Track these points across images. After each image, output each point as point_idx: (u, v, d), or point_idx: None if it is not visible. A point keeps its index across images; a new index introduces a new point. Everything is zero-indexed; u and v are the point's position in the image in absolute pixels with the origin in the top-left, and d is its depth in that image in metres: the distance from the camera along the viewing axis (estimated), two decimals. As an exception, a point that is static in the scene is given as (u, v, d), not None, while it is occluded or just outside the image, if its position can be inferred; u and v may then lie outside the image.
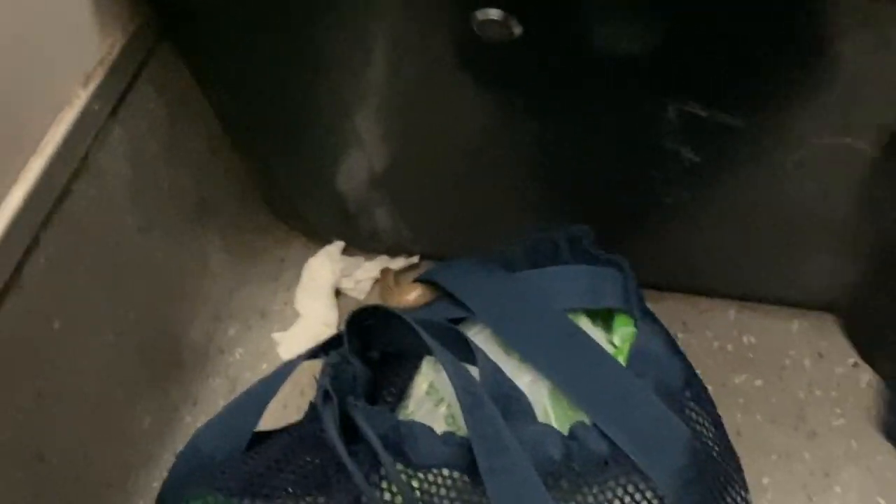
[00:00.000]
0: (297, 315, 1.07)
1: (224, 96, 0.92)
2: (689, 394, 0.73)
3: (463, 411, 0.65)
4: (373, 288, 1.08)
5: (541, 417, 0.69)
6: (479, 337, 0.75)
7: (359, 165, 0.94)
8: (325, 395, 0.66)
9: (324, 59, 0.82)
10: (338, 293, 1.09)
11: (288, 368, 0.74)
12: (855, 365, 0.96)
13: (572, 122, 0.81)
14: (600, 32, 0.71)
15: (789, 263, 0.93)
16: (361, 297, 1.08)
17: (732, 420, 0.92)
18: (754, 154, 0.78)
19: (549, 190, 0.92)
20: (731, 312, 1.01)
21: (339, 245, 1.10)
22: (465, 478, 0.65)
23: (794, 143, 0.77)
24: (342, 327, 0.75)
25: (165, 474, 0.74)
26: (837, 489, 0.89)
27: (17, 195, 0.72)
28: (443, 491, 0.64)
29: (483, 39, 0.72)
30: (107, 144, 0.81)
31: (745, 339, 0.99)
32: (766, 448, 0.92)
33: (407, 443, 0.65)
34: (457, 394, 0.65)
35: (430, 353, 0.70)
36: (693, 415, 0.73)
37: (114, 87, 0.81)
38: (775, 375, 0.97)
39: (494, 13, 0.70)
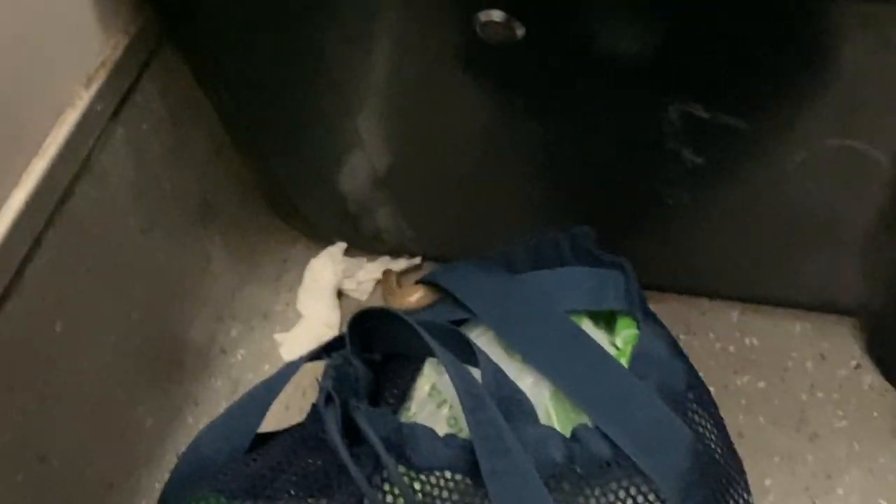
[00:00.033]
0: (299, 316, 1.07)
1: (226, 97, 0.92)
2: (692, 396, 0.73)
3: (465, 413, 0.65)
4: (375, 289, 1.08)
5: (543, 419, 0.69)
6: (482, 339, 0.75)
7: (361, 166, 0.94)
8: (327, 398, 0.66)
9: (326, 60, 0.82)
10: (340, 294, 1.09)
11: (290, 370, 0.74)
12: (857, 367, 0.96)
13: (574, 124, 0.81)
14: (602, 34, 0.71)
15: (792, 265, 0.93)
16: (363, 298, 1.08)
17: (734, 422, 0.92)
18: (756, 156, 0.78)
19: (551, 191, 0.92)
20: (733, 314, 1.01)
21: (341, 246, 1.10)
22: (467, 480, 0.65)
23: (796, 144, 0.76)
24: (344, 328, 0.75)
25: (167, 475, 0.74)
26: (840, 491, 0.89)
27: (19, 196, 0.72)
28: (445, 493, 0.64)
29: (485, 41, 0.72)
30: (109, 145, 0.81)
31: (747, 340, 0.99)
32: (769, 450, 0.92)
33: (409, 445, 0.65)
34: (459, 396, 0.65)
35: (432, 354, 0.70)
36: (695, 417, 0.73)
37: (116, 88, 0.81)
38: (778, 377, 0.96)
39: (497, 14, 0.70)
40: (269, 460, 0.69)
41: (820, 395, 0.95)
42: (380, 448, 0.63)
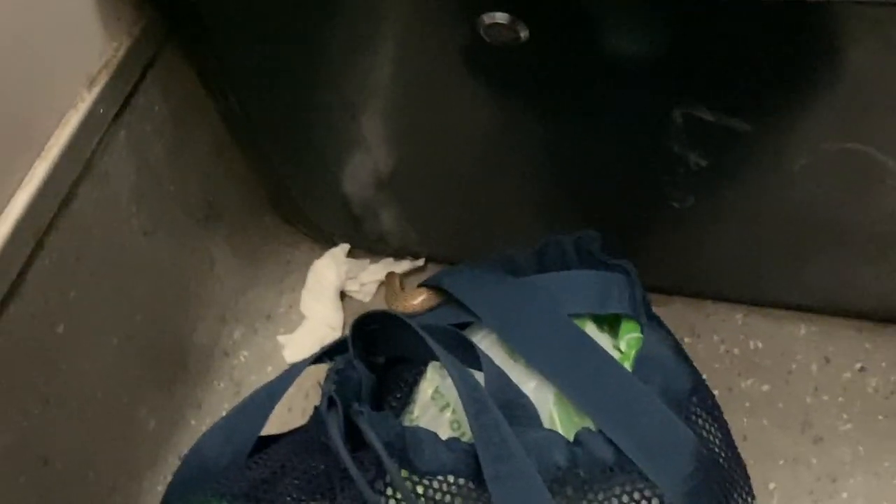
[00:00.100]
0: (302, 318, 1.07)
1: (230, 98, 0.92)
2: (696, 400, 0.73)
3: (468, 417, 0.64)
4: (378, 290, 1.08)
5: (546, 423, 0.69)
6: (485, 342, 0.75)
7: (365, 168, 0.94)
8: (329, 402, 0.66)
9: (330, 62, 0.82)
10: (343, 296, 1.09)
11: (292, 373, 0.74)
12: (862, 370, 0.96)
13: (578, 126, 0.81)
14: (607, 36, 0.71)
15: (796, 267, 0.93)
16: (367, 299, 1.08)
17: (739, 425, 0.92)
18: (761, 158, 0.78)
19: (555, 194, 0.91)
20: (738, 316, 1.01)
21: (344, 247, 1.10)
22: (470, 484, 0.64)
23: (801, 147, 0.76)
24: (347, 330, 0.75)
25: (170, 477, 0.74)
26: (844, 495, 0.89)
27: (22, 198, 0.72)
28: (447, 498, 0.64)
29: (489, 43, 0.72)
30: (111, 147, 0.81)
31: (751, 343, 0.99)
32: (773, 453, 0.92)
33: (412, 449, 0.64)
34: (462, 399, 0.65)
35: (435, 358, 0.70)
36: (699, 421, 0.73)
37: (119, 90, 0.81)
38: (782, 380, 0.96)
39: (501, 17, 0.70)
40: (271, 464, 0.68)
41: (824, 397, 0.95)
42: (382, 452, 0.63)
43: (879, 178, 0.77)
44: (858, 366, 0.96)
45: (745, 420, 0.94)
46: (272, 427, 0.73)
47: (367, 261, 1.10)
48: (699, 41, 0.69)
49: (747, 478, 0.77)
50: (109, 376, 0.86)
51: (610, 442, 0.66)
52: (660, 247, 0.93)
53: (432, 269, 1.08)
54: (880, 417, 0.93)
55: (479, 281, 0.79)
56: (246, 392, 0.92)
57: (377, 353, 0.77)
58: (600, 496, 0.65)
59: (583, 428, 0.67)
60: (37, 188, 0.73)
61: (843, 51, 0.67)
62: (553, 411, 0.70)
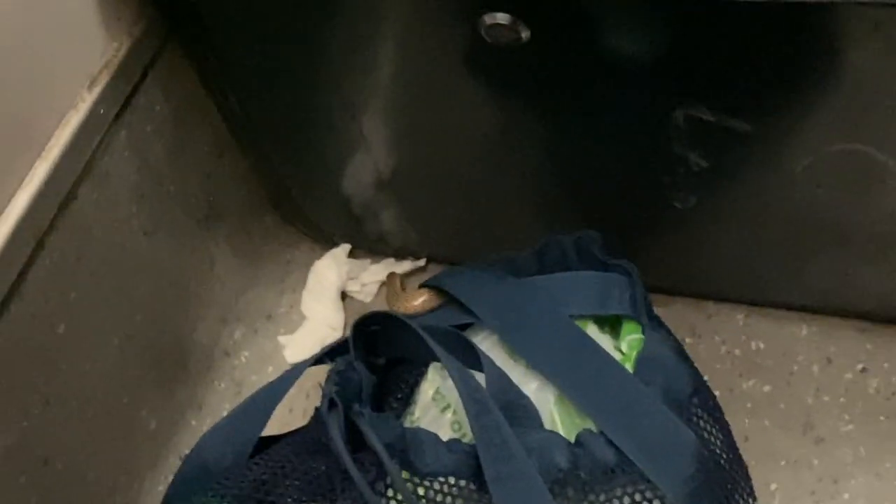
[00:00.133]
0: (303, 318, 1.07)
1: (230, 99, 0.92)
2: (697, 401, 0.73)
3: (469, 418, 0.64)
4: (379, 291, 1.08)
5: (547, 425, 0.69)
6: (486, 343, 0.75)
7: (365, 168, 0.94)
8: (330, 403, 0.66)
9: (331, 62, 0.82)
10: (344, 296, 1.09)
11: (293, 374, 0.74)
12: (863, 370, 0.96)
13: (579, 127, 0.81)
14: (608, 37, 0.71)
15: (798, 267, 0.92)
16: (368, 299, 1.08)
17: (740, 425, 0.92)
18: (762, 159, 0.78)
19: (556, 194, 0.91)
20: (739, 317, 1.01)
21: (345, 248, 1.10)
22: (471, 485, 0.64)
23: (803, 148, 0.76)
24: (348, 331, 0.75)
25: (171, 478, 0.74)
26: (846, 496, 0.89)
27: (22, 199, 0.72)
28: (448, 499, 0.64)
29: (490, 43, 0.72)
30: (112, 148, 0.81)
31: (753, 344, 0.99)
32: (774, 454, 0.92)
33: (412, 450, 0.64)
34: (463, 400, 0.65)
35: (436, 359, 0.70)
36: (700, 422, 0.72)
37: (119, 90, 0.81)
38: (783, 381, 0.96)
39: (502, 17, 0.69)
40: (272, 465, 0.68)
41: (826, 398, 0.94)
42: (383, 454, 0.63)
43: (880, 178, 0.77)
44: (860, 367, 0.96)
45: (746, 421, 0.93)
46: (273, 427, 0.73)
47: (368, 261, 1.09)
48: (700, 41, 0.69)
49: (749, 479, 0.77)
50: (110, 376, 0.86)
51: (611, 443, 0.66)
52: (661, 247, 0.93)
53: (433, 270, 1.08)
54: (882, 418, 0.93)
55: (479, 282, 0.79)
56: (247, 392, 0.92)
57: (378, 354, 0.77)
58: (601, 497, 0.65)
59: (584, 429, 0.67)
60: (37, 188, 0.73)
61: (844, 51, 0.67)
62: (554, 412, 0.70)
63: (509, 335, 0.74)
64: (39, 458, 0.79)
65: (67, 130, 0.75)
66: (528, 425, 0.67)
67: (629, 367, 0.72)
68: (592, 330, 0.75)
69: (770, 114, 0.73)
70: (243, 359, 1.05)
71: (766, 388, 0.96)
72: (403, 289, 1.02)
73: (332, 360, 0.73)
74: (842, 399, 0.94)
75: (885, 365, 0.95)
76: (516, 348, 0.73)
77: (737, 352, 0.99)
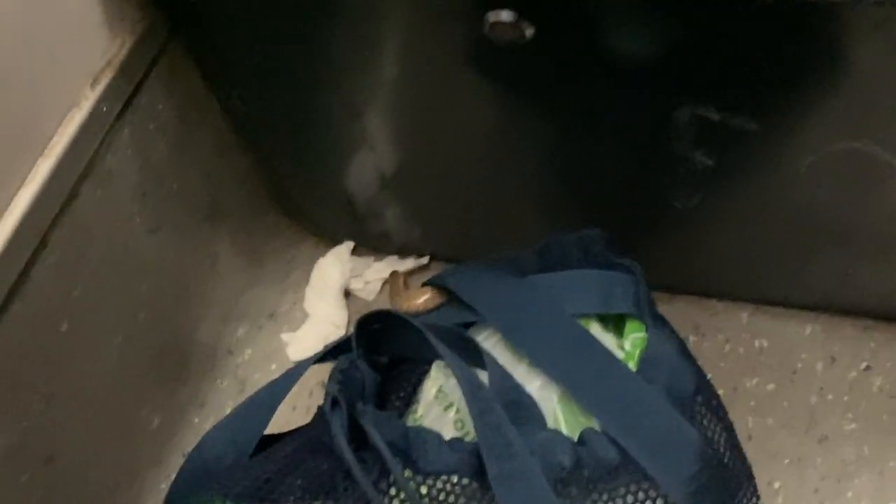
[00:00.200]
0: (306, 316, 1.07)
1: (233, 96, 0.92)
2: (700, 399, 0.73)
3: (472, 417, 0.64)
4: (382, 289, 1.08)
5: (550, 423, 0.69)
6: (489, 342, 0.74)
7: (369, 166, 0.94)
8: (333, 402, 0.66)
9: (335, 60, 0.82)
10: (347, 294, 1.09)
11: (296, 372, 0.74)
12: (867, 369, 0.95)
13: (583, 125, 0.81)
14: (613, 35, 0.71)
15: (802, 266, 0.92)
16: (370, 297, 1.08)
17: (744, 424, 0.92)
18: (767, 157, 0.78)
19: (559, 192, 0.91)
20: (743, 315, 1.01)
21: (348, 245, 1.09)
22: (474, 484, 0.64)
23: (807, 146, 0.76)
24: (351, 328, 0.74)
25: (173, 476, 0.74)
26: (849, 494, 0.89)
27: (25, 196, 0.72)
28: (451, 498, 0.63)
29: (494, 41, 0.72)
30: (115, 146, 0.81)
31: (757, 342, 0.99)
32: (778, 452, 0.92)
33: (415, 449, 0.64)
34: (466, 399, 0.65)
35: (439, 357, 0.69)
36: (704, 421, 0.72)
37: (122, 88, 0.81)
38: (787, 379, 0.96)
39: (506, 15, 0.69)
40: (274, 463, 0.68)
41: (830, 397, 0.94)
42: (386, 452, 0.63)
43: (884, 176, 0.77)
44: (864, 365, 0.96)
45: (749, 419, 0.93)
46: (276, 426, 0.73)
47: (371, 259, 1.09)
48: (705, 40, 0.69)
49: (752, 477, 0.77)
50: (112, 375, 0.86)
51: (614, 442, 0.66)
52: (664, 245, 0.93)
53: (436, 268, 1.08)
54: (885, 417, 0.93)
55: (482, 280, 0.79)
56: (250, 390, 0.92)
57: (381, 353, 0.77)
58: (605, 496, 0.65)
59: (587, 428, 0.67)
60: (40, 186, 0.73)
61: (849, 50, 0.67)
62: (557, 411, 0.70)
63: (512, 333, 0.74)
64: (42, 456, 0.79)
65: (70, 129, 0.75)
66: (532, 424, 0.67)
67: (632, 365, 0.72)
68: (595, 328, 0.75)
69: (774, 112, 0.73)
70: (246, 357, 1.05)
71: (770, 387, 0.96)
72: (406, 287, 1.02)
73: (335, 358, 0.73)
74: (845, 397, 0.94)
75: (889, 363, 0.95)
76: (519, 347, 0.73)
77: (740, 350, 0.99)
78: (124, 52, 0.80)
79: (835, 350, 0.97)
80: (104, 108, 0.78)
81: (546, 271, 0.79)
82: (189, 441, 0.96)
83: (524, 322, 0.74)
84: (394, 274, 1.04)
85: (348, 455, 0.63)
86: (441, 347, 0.68)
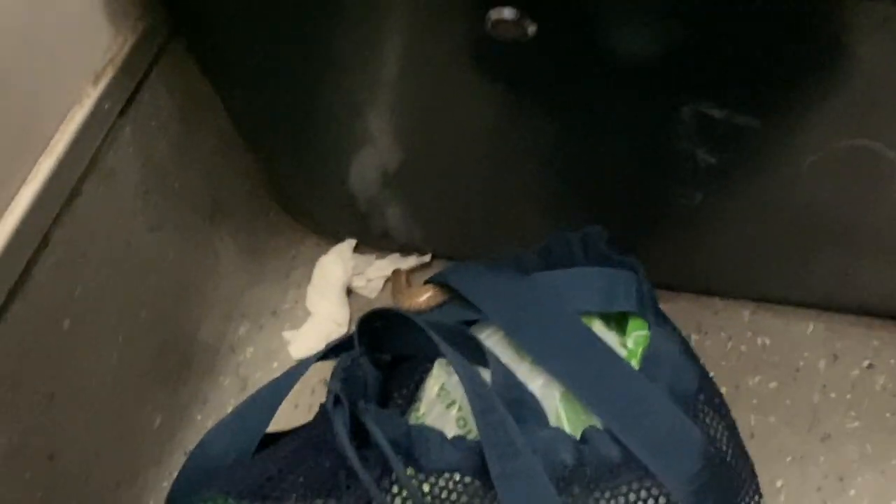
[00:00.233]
0: (308, 313, 1.07)
1: (236, 94, 0.92)
2: (703, 398, 0.73)
3: (474, 415, 0.64)
4: (384, 286, 1.08)
5: (553, 421, 0.69)
6: (491, 340, 0.74)
7: (371, 164, 0.94)
8: (335, 400, 0.66)
9: (336, 58, 0.82)
10: (349, 292, 1.09)
11: (298, 370, 0.74)
12: (870, 367, 0.95)
13: (586, 123, 0.80)
14: (615, 32, 0.70)
15: (804, 264, 0.92)
16: (373, 295, 1.08)
17: (746, 422, 0.92)
18: (770, 155, 0.78)
19: (562, 190, 0.91)
20: (745, 313, 1.01)
21: (350, 243, 1.09)
22: (477, 482, 0.64)
23: (810, 144, 0.76)
24: (353, 326, 0.74)
25: (175, 474, 0.74)
26: (852, 493, 0.89)
27: (27, 195, 0.72)
28: (454, 496, 0.63)
29: (496, 39, 0.72)
30: (117, 143, 0.81)
31: (759, 340, 0.99)
32: (780, 451, 0.91)
33: (418, 447, 0.64)
34: (468, 397, 0.65)
35: (441, 355, 0.69)
36: (706, 419, 0.72)
37: (124, 86, 0.80)
38: (790, 377, 0.96)
39: (508, 12, 0.69)
40: (277, 461, 0.68)
41: (832, 395, 0.94)
42: (388, 450, 0.63)
43: (888, 174, 0.77)
44: (866, 363, 0.96)
45: (752, 418, 0.93)
46: (278, 423, 0.73)
47: (374, 256, 1.09)
48: (709, 37, 0.69)
49: (754, 476, 0.77)
50: (114, 373, 0.86)
51: (617, 440, 0.66)
52: (667, 243, 0.93)
53: (438, 266, 1.08)
54: (888, 415, 0.93)
55: (485, 278, 0.79)
56: (251, 388, 0.92)
57: (383, 351, 0.77)
58: (607, 494, 0.65)
59: (589, 426, 0.67)
60: (42, 184, 0.72)
61: (852, 47, 0.67)
62: (560, 409, 0.70)
63: (515, 331, 0.74)
64: (44, 454, 0.79)
65: (72, 126, 0.75)
66: (534, 422, 0.67)
67: (635, 363, 0.72)
68: (598, 326, 0.75)
69: (777, 110, 0.73)
70: (248, 354, 1.05)
71: (773, 385, 0.96)
72: (409, 285, 1.02)
73: (337, 355, 0.73)
74: (848, 396, 0.94)
75: (892, 361, 0.95)
76: (522, 345, 0.73)
77: (743, 348, 0.98)
78: (126, 49, 0.80)
79: (837, 348, 0.97)
80: (106, 106, 0.78)
81: (548, 269, 0.79)
82: (191, 439, 0.96)
83: (526, 320, 0.74)
84: (396, 272, 1.04)
85: (350, 453, 0.63)
86: (443, 345, 0.68)
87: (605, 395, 0.68)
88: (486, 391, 0.66)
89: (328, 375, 0.71)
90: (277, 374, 0.75)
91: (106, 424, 0.86)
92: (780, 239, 0.88)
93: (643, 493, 0.65)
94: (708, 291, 1.01)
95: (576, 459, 0.65)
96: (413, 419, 0.73)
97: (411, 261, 1.08)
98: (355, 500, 0.64)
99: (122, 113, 0.81)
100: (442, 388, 0.73)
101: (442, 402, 0.73)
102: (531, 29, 0.70)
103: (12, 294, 0.71)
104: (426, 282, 0.84)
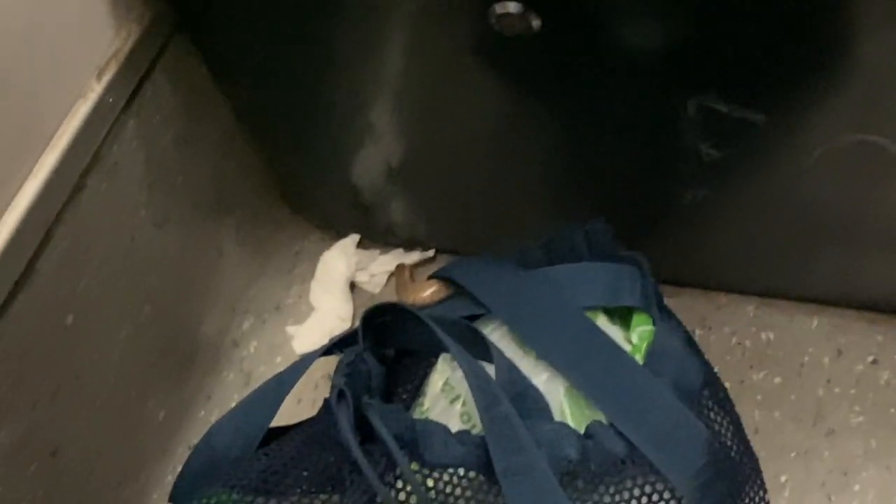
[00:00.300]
0: (311, 308, 1.07)
1: (239, 89, 0.92)
2: (707, 393, 0.73)
3: (478, 410, 0.64)
4: (388, 282, 1.08)
5: (557, 416, 0.69)
6: (496, 334, 0.74)
7: (375, 159, 0.94)
8: (339, 394, 0.66)
9: (341, 52, 0.82)
10: (352, 286, 1.09)
11: (302, 365, 0.74)
12: (874, 362, 0.95)
13: (590, 117, 0.80)
14: (620, 26, 0.70)
15: (809, 259, 0.92)
16: (376, 290, 1.08)
17: (750, 417, 0.92)
18: (775, 150, 0.78)
19: (566, 185, 0.91)
20: (749, 308, 1.00)
21: (354, 238, 1.09)
22: (481, 477, 0.64)
23: (815, 138, 0.76)
24: (357, 321, 0.74)
25: (179, 469, 0.74)
26: (856, 487, 0.89)
27: (30, 189, 0.72)
28: (458, 490, 0.63)
29: (501, 33, 0.71)
30: (121, 138, 0.81)
31: (763, 335, 0.99)
32: (785, 446, 0.91)
33: (422, 442, 0.64)
34: (472, 392, 0.65)
35: (445, 350, 0.69)
36: (711, 414, 0.72)
37: (128, 80, 0.80)
38: (794, 372, 0.96)
39: (513, 6, 0.69)
40: (281, 456, 0.68)
41: (837, 390, 0.94)
42: (392, 445, 0.63)
43: (892, 169, 0.76)
44: (871, 358, 0.96)
45: (756, 413, 0.93)
46: (281, 418, 0.73)
47: (377, 251, 1.09)
48: (715, 31, 0.69)
49: (759, 471, 0.76)
50: (118, 367, 0.86)
51: (621, 435, 0.66)
52: (671, 238, 0.93)
53: (442, 261, 1.08)
54: (893, 410, 0.92)
55: (489, 272, 0.79)
56: (255, 383, 0.92)
57: (387, 345, 0.77)
58: (611, 489, 0.65)
59: (594, 421, 0.67)
60: (46, 179, 0.73)
61: (858, 41, 0.66)
62: (564, 404, 0.70)
63: (519, 326, 0.73)
64: (48, 448, 0.79)
65: (75, 121, 0.75)
66: (538, 417, 0.67)
67: (639, 358, 0.72)
68: (602, 321, 0.75)
69: (783, 104, 0.73)
70: (252, 349, 1.05)
71: (777, 380, 0.96)
72: (412, 279, 1.02)
73: (340, 350, 0.73)
74: (852, 391, 0.94)
75: (896, 357, 0.95)
76: (526, 339, 0.73)
77: (747, 343, 0.98)
78: (130, 44, 0.80)
79: (842, 343, 0.97)
80: (110, 101, 0.78)
81: (553, 264, 0.78)
82: (195, 434, 0.96)
83: (530, 315, 0.74)
84: (399, 267, 1.04)
85: (354, 448, 0.63)
86: (447, 340, 0.68)
87: (609, 390, 0.68)
88: (491, 386, 0.66)
89: (332, 370, 0.71)
90: (281, 369, 0.75)
91: (109, 420, 0.86)
92: (785, 234, 0.88)
93: (647, 488, 0.65)
94: (712, 286, 1.01)
95: (580, 454, 0.64)
96: (417, 414, 0.73)
97: (415, 256, 1.08)
98: (359, 495, 0.64)
99: (125, 107, 0.81)
100: (446, 382, 0.73)
101: (446, 397, 0.72)
102: (536, 23, 0.70)
103: (16, 289, 0.71)
104: (430, 277, 0.84)
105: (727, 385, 0.79)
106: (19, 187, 0.72)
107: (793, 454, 0.91)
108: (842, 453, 0.91)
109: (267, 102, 0.92)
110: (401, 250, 1.09)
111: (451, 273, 0.81)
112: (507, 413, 0.64)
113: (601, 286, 0.75)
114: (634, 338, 0.74)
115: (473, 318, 0.77)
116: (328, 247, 1.10)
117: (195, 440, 0.74)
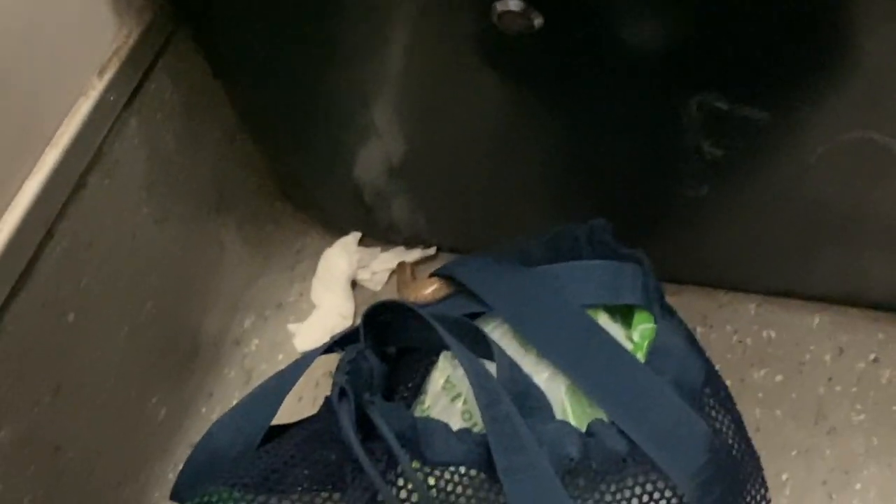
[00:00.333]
0: (313, 306, 1.07)
1: (241, 86, 0.92)
2: (709, 391, 0.73)
3: (480, 408, 0.64)
4: (389, 279, 1.08)
5: (558, 414, 0.69)
6: (497, 332, 0.74)
7: (376, 156, 0.94)
8: (340, 392, 0.66)
9: (343, 50, 0.82)
10: (354, 284, 1.09)
11: (303, 363, 0.74)
12: (875, 360, 0.95)
13: (592, 116, 0.80)
14: (622, 24, 0.70)
15: (810, 257, 0.92)
16: (378, 288, 1.08)
17: (751, 415, 0.92)
18: (777, 148, 0.78)
19: (567, 183, 0.91)
20: (751, 306, 1.00)
21: (355, 236, 1.09)
22: (482, 475, 0.64)
23: (817, 136, 0.76)
24: (358, 319, 0.74)
25: (180, 467, 0.74)
26: (858, 486, 0.89)
27: (32, 186, 0.72)
28: (459, 489, 0.63)
29: (503, 31, 0.71)
30: (122, 135, 0.81)
31: (764, 333, 0.98)
32: (786, 444, 0.91)
33: (423, 440, 0.64)
34: (473, 390, 0.65)
35: (446, 348, 0.69)
36: (712, 412, 0.72)
37: (129, 78, 0.80)
38: (795, 370, 0.96)
39: (514, 4, 0.69)
40: (282, 454, 0.68)
41: (838, 388, 0.94)
42: (394, 443, 0.63)
43: (894, 167, 0.76)
44: (872, 356, 0.96)
45: (757, 411, 0.93)
46: (282, 416, 0.73)
47: (379, 249, 1.09)
48: (717, 28, 0.69)
49: (760, 469, 0.76)
50: (120, 365, 0.86)
51: (622, 433, 0.66)
52: (672, 236, 0.93)
53: (444, 259, 1.07)
54: (894, 408, 0.92)
55: (491, 270, 0.79)
56: (256, 381, 0.92)
57: (388, 343, 0.77)
58: (612, 488, 0.65)
59: (595, 419, 0.67)
60: (47, 176, 0.73)
61: (861, 39, 0.66)
62: (565, 402, 0.70)
63: (520, 324, 0.73)
64: (49, 446, 0.79)
65: (77, 118, 0.75)
66: (539, 415, 0.67)
67: (641, 356, 0.72)
68: (604, 319, 0.75)
69: (784, 102, 0.73)
70: (253, 347, 1.05)
71: (778, 378, 0.95)
72: (414, 277, 1.02)
73: (342, 348, 0.73)
74: (854, 389, 0.94)
75: (898, 355, 0.95)
76: (527, 337, 0.73)
77: (748, 341, 0.98)
78: (131, 41, 0.80)
79: (843, 341, 0.97)
80: (111, 98, 0.78)
81: (554, 262, 0.78)
82: (196, 431, 0.96)
83: (532, 313, 0.74)
84: (401, 264, 1.04)
85: (356, 446, 0.63)
86: (449, 338, 0.68)
87: (610, 388, 0.68)
88: (492, 384, 0.66)
89: (333, 368, 0.71)
90: (282, 366, 0.75)
91: (111, 417, 0.86)
92: (787, 232, 0.88)
93: (649, 487, 0.65)
94: (713, 284, 1.01)
95: (581, 452, 0.64)
96: (418, 412, 0.73)
97: (416, 253, 1.08)
98: (360, 493, 0.64)
99: (127, 105, 0.81)
100: (447, 380, 0.73)
101: (447, 395, 0.72)
102: (538, 21, 0.70)
103: (17, 287, 0.71)
104: (431, 274, 0.84)
105: (728, 383, 0.79)
106: (20, 185, 0.72)
107: (794, 452, 0.91)
108: (843, 451, 0.90)
109: (268, 100, 0.92)
110: (402, 248, 1.09)
111: (452, 271, 0.81)
112: (509, 411, 0.64)
113: (602, 284, 0.75)
114: (636, 336, 0.74)
115: (475, 315, 0.77)
116: (329, 244, 1.09)
117: (196, 439, 0.74)
